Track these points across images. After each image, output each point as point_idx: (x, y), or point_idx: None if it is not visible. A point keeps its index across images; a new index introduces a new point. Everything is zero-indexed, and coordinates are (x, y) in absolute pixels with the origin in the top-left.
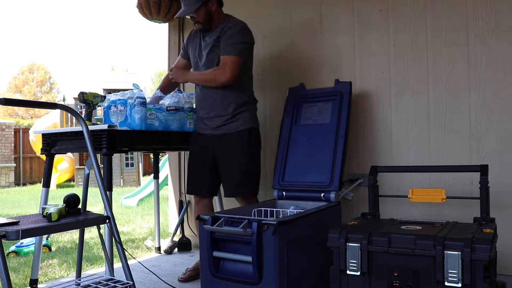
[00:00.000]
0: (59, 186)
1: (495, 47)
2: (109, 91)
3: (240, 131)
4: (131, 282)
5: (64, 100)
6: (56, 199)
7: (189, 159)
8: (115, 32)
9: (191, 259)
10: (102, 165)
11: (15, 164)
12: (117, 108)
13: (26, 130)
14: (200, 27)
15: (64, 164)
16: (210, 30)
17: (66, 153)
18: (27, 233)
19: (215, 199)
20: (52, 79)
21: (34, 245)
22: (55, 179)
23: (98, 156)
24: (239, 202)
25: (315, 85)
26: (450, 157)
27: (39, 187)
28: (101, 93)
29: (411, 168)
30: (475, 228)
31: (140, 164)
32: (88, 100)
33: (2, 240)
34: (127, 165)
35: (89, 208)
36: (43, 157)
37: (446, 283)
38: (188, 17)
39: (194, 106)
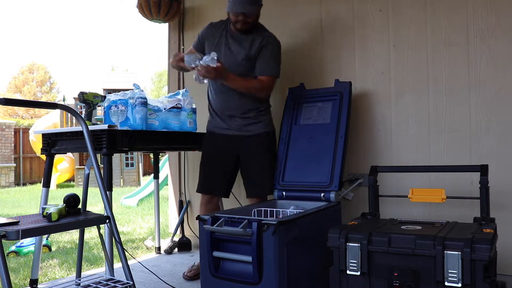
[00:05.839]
0: (59, 186)
1: (495, 47)
2: (109, 91)
3: (261, 134)
4: (131, 282)
5: (64, 100)
6: (56, 199)
7: (205, 158)
8: (115, 32)
9: (191, 259)
10: (102, 165)
11: (15, 164)
12: (118, 108)
13: (26, 130)
14: (244, 28)
15: (64, 164)
16: (245, 33)
17: (66, 153)
18: (27, 233)
19: None
20: (52, 79)
21: (34, 245)
22: (55, 179)
23: (98, 156)
24: (251, 201)
25: (315, 85)
26: (450, 157)
27: (39, 187)
28: (101, 93)
29: (411, 168)
30: (475, 228)
31: (140, 164)
32: (88, 100)
33: (2, 240)
34: (127, 165)
35: (89, 208)
36: (43, 157)
37: (446, 283)
38: (231, 15)
39: (194, 106)
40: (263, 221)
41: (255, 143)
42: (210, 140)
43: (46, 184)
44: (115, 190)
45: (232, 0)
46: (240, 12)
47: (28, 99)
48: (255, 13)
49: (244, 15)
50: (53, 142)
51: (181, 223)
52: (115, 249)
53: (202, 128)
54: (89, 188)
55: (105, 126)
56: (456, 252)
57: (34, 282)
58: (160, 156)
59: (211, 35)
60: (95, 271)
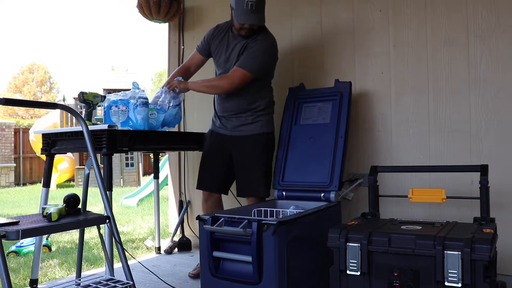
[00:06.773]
0: (59, 186)
1: (495, 47)
2: (109, 91)
3: (257, 135)
4: (131, 282)
5: (64, 100)
6: (56, 199)
7: (203, 155)
8: (115, 32)
9: (191, 259)
10: (102, 165)
11: (15, 164)
12: (118, 108)
13: (26, 130)
14: (247, 34)
15: (64, 164)
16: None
17: (66, 153)
18: (27, 233)
19: None
20: (52, 79)
21: (34, 245)
22: (55, 179)
23: (98, 156)
24: (248, 202)
25: (315, 85)
26: (450, 157)
27: (39, 187)
28: (101, 93)
29: (411, 168)
30: (475, 228)
31: (140, 164)
32: (88, 100)
33: (2, 240)
34: (127, 165)
35: (89, 208)
36: (43, 157)
37: (446, 283)
38: (236, 23)
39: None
40: (263, 221)
41: (248, 144)
42: (208, 138)
43: (46, 184)
44: (115, 190)
45: (240, 10)
46: (248, 23)
47: (28, 99)
48: (263, 22)
49: (250, 25)
50: (53, 142)
51: (181, 223)
52: (115, 249)
53: (202, 128)
54: (89, 188)
55: (105, 126)
56: (456, 252)
57: (34, 282)
58: (160, 156)
59: (217, 38)
60: (95, 271)
